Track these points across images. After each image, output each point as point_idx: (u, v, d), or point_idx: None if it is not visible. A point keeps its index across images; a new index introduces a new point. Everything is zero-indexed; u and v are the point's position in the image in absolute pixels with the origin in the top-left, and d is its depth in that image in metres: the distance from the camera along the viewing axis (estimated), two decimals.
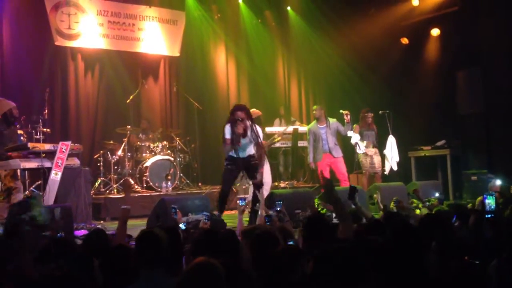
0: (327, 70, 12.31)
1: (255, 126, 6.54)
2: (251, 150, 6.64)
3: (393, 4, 11.13)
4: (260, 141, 6.58)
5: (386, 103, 9.91)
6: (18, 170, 6.98)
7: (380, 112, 9.36)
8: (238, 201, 5.44)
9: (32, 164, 6.61)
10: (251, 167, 6.64)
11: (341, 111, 8.63)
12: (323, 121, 8.74)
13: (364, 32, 11.24)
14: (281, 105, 11.80)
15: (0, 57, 9.37)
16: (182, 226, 4.84)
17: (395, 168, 9.19)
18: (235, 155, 6.60)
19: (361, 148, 9.03)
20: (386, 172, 9.20)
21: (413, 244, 2.66)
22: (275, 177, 10.64)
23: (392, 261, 2.50)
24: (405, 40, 11.11)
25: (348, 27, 11.40)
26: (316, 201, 6.88)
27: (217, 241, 3.31)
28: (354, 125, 9.15)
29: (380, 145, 9.35)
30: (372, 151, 9.14)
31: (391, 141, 9.20)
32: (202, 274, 2.27)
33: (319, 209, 6.52)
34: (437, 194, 7.12)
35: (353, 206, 5.04)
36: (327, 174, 8.60)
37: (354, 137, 8.98)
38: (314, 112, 8.92)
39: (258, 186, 6.59)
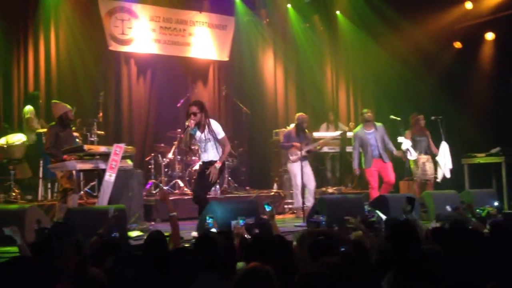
0: (377, 75, 12.05)
1: (210, 124, 6.31)
2: (213, 154, 6.40)
3: (446, 8, 10.85)
4: (219, 137, 6.33)
5: (438, 108, 9.64)
6: (74, 172, 7.17)
7: (433, 118, 9.10)
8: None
9: (87, 165, 6.70)
10: (204, 175, 6.35)
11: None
12: (371, 126, 8.54)
13: (415, 36, 10.97)
14: (330, 110, 11.67)
15: (56, 61, 9.70)
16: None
17: (448, 175, 8.93)
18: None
19: (413, 154, 8.82)
20: (439, 180, 8.94)
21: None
22: (323, 182, 10.60)
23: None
24: (458, 44, 10.84)
25: (399, 31, 11.15)
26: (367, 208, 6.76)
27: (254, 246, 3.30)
28: (406, 131, 8.97)
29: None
30: (425, 157, 8.91)
31: (444, 148, 8.94)
32: (255, 280, 2.26)
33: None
34: (495, 203, 6.89)
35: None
36: (375, 181, 8.44)
37: (405, 143, 8.79)
38: (368, 114, 8.55)
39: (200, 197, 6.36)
